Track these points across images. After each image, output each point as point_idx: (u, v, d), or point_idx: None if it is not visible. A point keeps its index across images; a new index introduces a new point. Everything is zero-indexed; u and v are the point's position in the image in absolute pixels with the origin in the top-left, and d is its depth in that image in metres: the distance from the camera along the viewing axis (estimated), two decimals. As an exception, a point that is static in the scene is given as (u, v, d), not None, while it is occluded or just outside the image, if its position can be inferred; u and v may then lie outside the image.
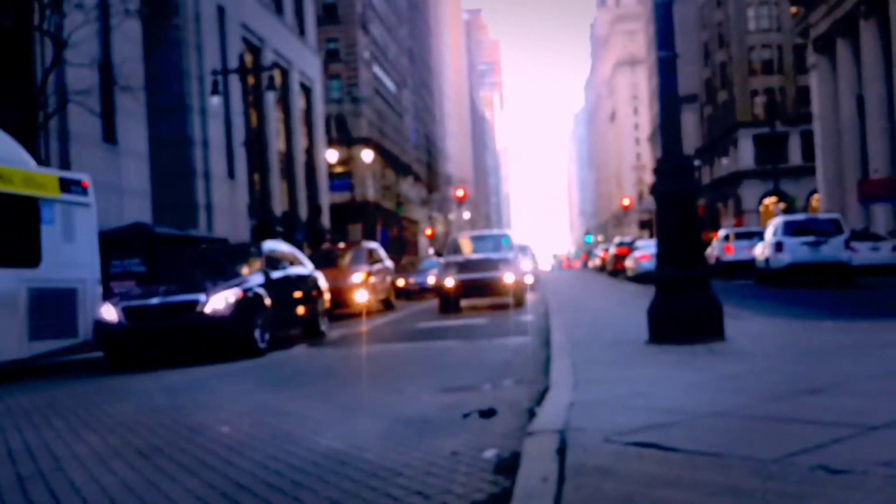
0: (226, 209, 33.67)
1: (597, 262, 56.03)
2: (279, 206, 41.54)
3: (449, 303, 18.32)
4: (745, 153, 68.71)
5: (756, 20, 69.01)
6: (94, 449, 5.21)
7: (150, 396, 7.75)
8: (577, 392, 5.31)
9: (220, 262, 13.04)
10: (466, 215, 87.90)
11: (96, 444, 5.35)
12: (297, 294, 13.28)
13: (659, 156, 8.23)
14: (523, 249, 24.21)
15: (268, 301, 11.34)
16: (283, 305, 12.24)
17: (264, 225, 33.39)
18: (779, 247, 21.45)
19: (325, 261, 20.99)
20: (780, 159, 57.61)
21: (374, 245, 24.32)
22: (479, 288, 18.17)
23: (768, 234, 23.45)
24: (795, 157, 65.52)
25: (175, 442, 5.20)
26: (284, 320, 12.59)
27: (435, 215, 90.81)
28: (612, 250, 43.72)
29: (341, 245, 27.66)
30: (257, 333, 10.88)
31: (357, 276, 20.07)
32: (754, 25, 69.06)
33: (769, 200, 62.28)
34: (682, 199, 7.93)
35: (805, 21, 49.27)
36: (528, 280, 23.54)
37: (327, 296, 14.94)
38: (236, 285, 11.01)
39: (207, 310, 10.39)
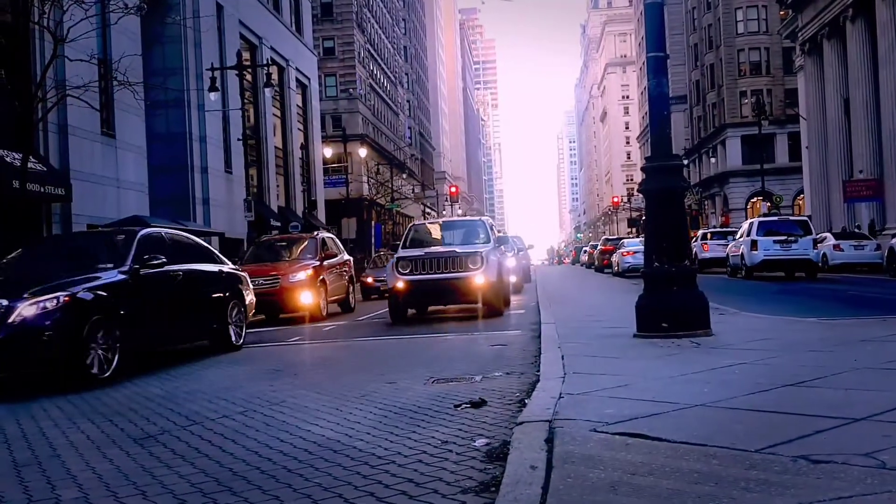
0: (223, 203, 33.74)
1: (584, 258, 58.54)
2: (275, 200, 41.64)
3: (398, 310, 14.23)
4: (732, 153, 69.18)
5: (745, 23, 69.43)
6: (89, 437, 5.28)
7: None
8: (566, 383, 5.40)
9: (77, 255, 9.84)
10: (459, 211, 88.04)
11: (91, 433, 5.41)
12: (195, 297, 10.30)
13: (649, 154, 8.34)
14: (505, 241, 19.14)
15: (124, 309, 8.45)
16: (161, 313, 9.48)
17: (260, 219, 33.43)
18: (754, 245, 24.13)
19: (267, 254, 18.37)
20: (767, 159, 57.98)
21: (328, 235, 20.14)
22: (439, 291, 14.01)
23: (742, 234, 26.49)
24: (782, 157, 66.01)
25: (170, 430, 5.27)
26: (164, 333, 9.78)
27: (429, 211, 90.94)
28: (599, 247, 45.63)
29: (289, 235, 23.92)
30: (95, 354, 7.97)
31: (301, 274, 16.29)
32: (743, 28, 69.49)
33: (756, 200, 62.71)
34: (670, 196, 8.04)
35: (793, 24, 49.60)
36: (511, 279, 18.70)
37: (251, 298, 11.99)
38: (66, 286, 7.95)
39: (15, 320, 7.50)
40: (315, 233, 20.15)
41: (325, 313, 16.76)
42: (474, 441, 4.35)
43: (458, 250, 14.25)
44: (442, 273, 13.82)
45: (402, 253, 14.66)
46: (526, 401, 5.24)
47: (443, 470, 3.81)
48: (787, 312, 11.29)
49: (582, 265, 60.15)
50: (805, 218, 29.20)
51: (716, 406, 4.52)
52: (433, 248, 14.75)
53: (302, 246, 18.53)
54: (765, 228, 24.54)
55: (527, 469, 3.43)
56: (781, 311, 11.50)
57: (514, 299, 17.83)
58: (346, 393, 6.37)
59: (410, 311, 15.08)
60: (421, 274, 13.85)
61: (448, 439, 4.43)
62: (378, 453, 4.23)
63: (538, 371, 6.62)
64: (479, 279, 13.70)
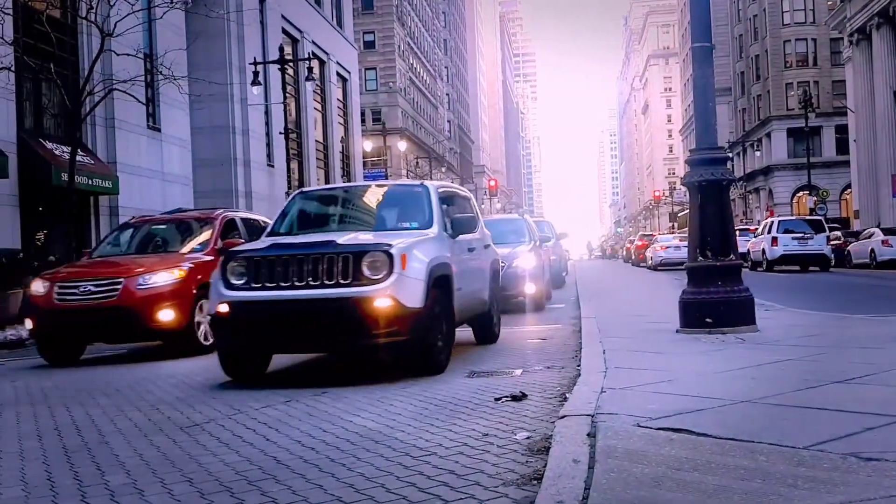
0: (265, 196, 34.12)
1: (623, 252, 61.70)
2: (316, 194, 41.95)
3: (226, 360, 7.13)
4: (778, 146, 68.01)
5: (791, 13, 68.13)
6: (136, 424, 5.38)
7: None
8: (608, 378, 5.37)
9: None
10: (498, 205, 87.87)
11: (139, 420, 5.52)
12: None
13: (692, 146, 8.22)
14: (528, 232, 15.09)
15: None
16: None
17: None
18: (774, 241, 27.41)
19: (131, 245, 11.69)
20: (814, 152, 56.89)
21: (243, 215, 12.66)
22: (292, 326, 6.69)
23: (763, 231, 29.80)
24: (829, 150, 64.71)
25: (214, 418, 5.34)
26: None
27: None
28: (636, 243, 48.82)
29: (181, 215, 12.84)
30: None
31: (163, 276, 9.94)
32: (789, 18, 68.21)
33: (802, 194, 61.59)
34: (715, 189, 7.92)
35: (841, 14, 48.54)
36: (530, 289, 13.68)
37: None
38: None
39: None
40: (217, 212, 12.14)
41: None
42: (515, 434, 4.34)
43: (339, 241, 6.98)
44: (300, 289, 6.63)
45: (245, 246, 7.82)
46: (567, 395, 5.22)
47: (484, 462, 3.81)
48: (834, 308, 11.11)
49: (621, 259, 63.12)
50: (819, 217, 32.24)
51: (762, 402, 4.45)
52: (302, 238, 7.60)
53: (194, 232, 11.73)
54: (784, 227, 28.00)
55: (569, 463, 3.41)
56: (828, 307, 11.30)
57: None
58: (387, 386, 6.39)
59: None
60: (266, 289, 6.73)
61: (489, 432, 4.43)
62: (419, 444, 4.24)
63: (579, 365, 6.59)
64: (377, 302, 6.48)
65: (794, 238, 27.30)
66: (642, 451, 3.51)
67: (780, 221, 29.18)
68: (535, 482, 3.43)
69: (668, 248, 35.48)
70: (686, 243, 29.11)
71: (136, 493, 3.71)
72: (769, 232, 28.25)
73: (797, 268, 27.77)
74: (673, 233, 50.84)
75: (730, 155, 64.82)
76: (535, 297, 13.78)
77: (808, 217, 34.62)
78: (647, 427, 3.90)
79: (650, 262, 36.77)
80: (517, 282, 13.38)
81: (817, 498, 2.84)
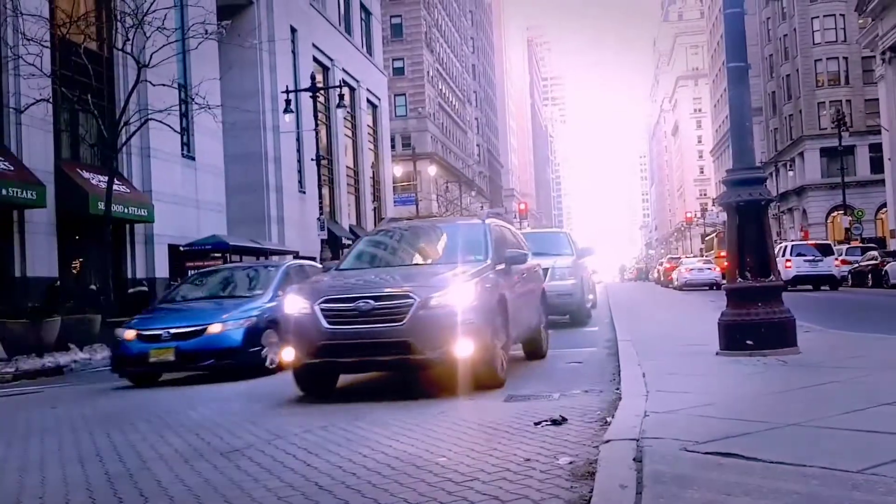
0: (296, 222, 34.40)
1: (653, 274, 65.58)
2: (346, 219, 42.23)
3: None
4: (811, 166, 67.23)
5: (822, 32, 67.60)
6: (177, 450, 5.39)
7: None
8: (650, 401, 5.29)
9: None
10: (528, 227, 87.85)
11: (179, 446, 5.54)
12: None
13: (729, 167, 8.14)
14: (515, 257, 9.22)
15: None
16: None
17: (332, 237, 33.90)
18: (787, 263, 29.13)
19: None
20: (848, 172, 56.13)
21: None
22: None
23: (777, 254, 33.86)
24: (863, 169, 63.79)
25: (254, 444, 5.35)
26: None
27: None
28: (665, 265, 52.36)
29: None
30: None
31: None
32: (820, 38, 67.68)
33: (836, 213, 60.75)
34: (753, 209, 7.83)
35: (873, 33, 48.07)
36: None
37: None
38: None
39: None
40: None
41: None
42: (557, 459, 4.29)
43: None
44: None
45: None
46: (608, 419, 5.15)
47: (528, 488, 3.76)
48: (872, 329, 10.87)
49: (651, 281, 67.02)
50: (829, 242, 36.37)
51: (810, 425, 4.35)
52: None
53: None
54: (796, 251, 30.67)
55: (616, 488, 3.36)
56: (866, 328, 11.07)
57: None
58: (424, 409, 6.36)
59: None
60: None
61: (530, 457, 4.38)
62: (461, 469, 4.20)
63: (618, 388, 6.51)
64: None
65: (805, 261, 30.03)
66: (691, 475, 3.44)
67: (792, 246, 31.98)
68: (582, 507, 3.39)
69: (692, 270, 39.08)
70: (709, 266, 30.93)
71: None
72: (783, 255, 30.06)
73: (810, 287, 30.25)
74: (697, 256, 53.89)
75: (766, 175, 64.37)
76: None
77: (818, 241, 37.13)
78: (694, 451, 3.83)
79: (675, 283, 40.01)
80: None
81: (876, 524, 2.76)
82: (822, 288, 30.26)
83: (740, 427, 4.32)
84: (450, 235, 9.45)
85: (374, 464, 4.50)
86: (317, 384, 7.77)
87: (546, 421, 5.40)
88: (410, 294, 7.09)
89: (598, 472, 3.65)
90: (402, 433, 5.35)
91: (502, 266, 8.42)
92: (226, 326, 10.14)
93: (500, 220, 10.49)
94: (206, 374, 10.27)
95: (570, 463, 4.18)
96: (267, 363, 10.35)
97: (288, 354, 7.50)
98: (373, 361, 7.32)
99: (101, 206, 19.41)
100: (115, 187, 19.74)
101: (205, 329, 10.03)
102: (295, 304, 7.50)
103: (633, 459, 3.73)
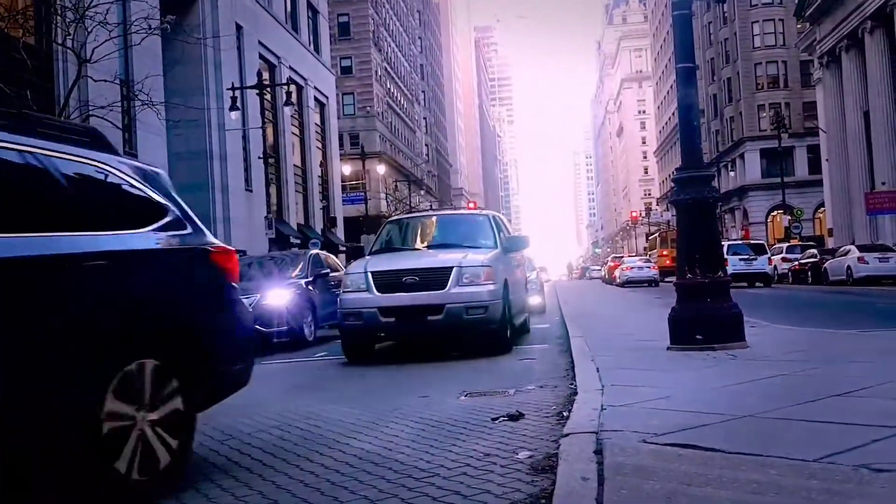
0: (243, 221, 33.92)
1: (599, 273, 71.28)
2: (294, 218, 41.83)
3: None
4: (751, 166, 68.89)
5: (761, 37, 69.32)
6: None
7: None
8: (606, 395, 5.32)
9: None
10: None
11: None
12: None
13: (674, 167, 8.25)
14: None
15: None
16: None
17: (280, 237, 33.55)
18: (724, 262, 31.94)
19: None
20: (787, 172, 57.67)
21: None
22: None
23: None
24: (802, 169, 65.57)
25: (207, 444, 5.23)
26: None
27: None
28: (609, 264, 56.91)
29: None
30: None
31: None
32: (760, 42, 69.38)
33: (776, 213, 62.36)
34: (701, 207, 7.95)
35: (811, 37, 49.46)
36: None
37: None
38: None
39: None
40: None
41: None
42: (517, 453, 4.28)
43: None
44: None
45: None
46: (565, 413, 5.17)
47: (489, 482, 3.74)
48: (816, 324, 11.19)
49: (593, 279, 73.77)
50: (761, 242, 38.67)
51: (764, 417, 4.42)
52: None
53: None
54: (732, 250, 31.71)
55: (578, 480, 3.35)
56: (812, 324, 11.37)
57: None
58: (379, 407, 6.31)
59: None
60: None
61: (490, 452, 4.37)
62: (420, 466, 4.17)
63: (572, 384, 6.55)
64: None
65: (740, 259, 31.74)
66: (651, 467, 3.46)
67: (728, 245, 32.74)
68: (544, 501, 3.39)
69: (632, 268, 42.09)
70: (648, 264, 32.56)
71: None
72: None
73: (745, 284, 32.01)
74: (638, 255, 57.09)
75: (714, 173, 65.89)
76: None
77: (750, 241, 39.03)
78: (653, 443, 3.86)
79: (618, 280, 42.87)
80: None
81: (836, 510, 2.81)
82: (757, 285, 32.01)
83: (697, 419, 4.37)
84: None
85: (332, 462, 4.44)
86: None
87: (503, 416, 5.40)
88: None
89: (559, 464, 3.65)
90: (359, 431, 5.30)
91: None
92: None
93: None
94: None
95: (530, 457, 4.19)
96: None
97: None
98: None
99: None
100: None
101: None
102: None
103: (594, 452, 3.75)
